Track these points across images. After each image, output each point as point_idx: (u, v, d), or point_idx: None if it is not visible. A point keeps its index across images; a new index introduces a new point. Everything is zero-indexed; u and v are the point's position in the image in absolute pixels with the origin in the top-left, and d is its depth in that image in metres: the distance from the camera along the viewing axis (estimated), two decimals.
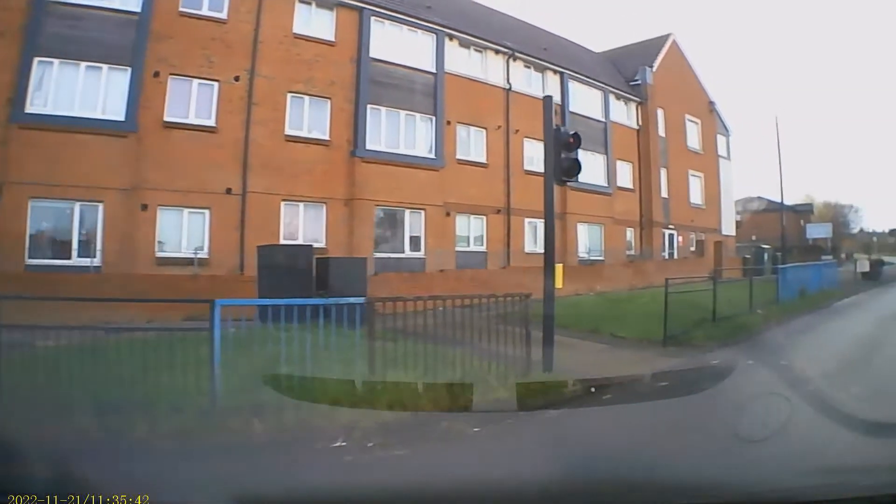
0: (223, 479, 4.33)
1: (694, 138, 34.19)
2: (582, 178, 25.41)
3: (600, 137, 27.46)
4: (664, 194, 30.72)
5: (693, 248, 32.71)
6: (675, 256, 31.35)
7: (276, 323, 6.74)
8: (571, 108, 26.03)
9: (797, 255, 40.12)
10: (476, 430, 6.00)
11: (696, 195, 33.86)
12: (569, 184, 24.36)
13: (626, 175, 29.08)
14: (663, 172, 30.80)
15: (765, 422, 5.14)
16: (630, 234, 29.05)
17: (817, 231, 57.27)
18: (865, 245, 72.34)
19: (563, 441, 5.87)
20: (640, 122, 30.20)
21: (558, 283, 8.99)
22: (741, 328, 12.80)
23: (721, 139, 38.06)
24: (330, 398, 5.92)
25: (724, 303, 13.63)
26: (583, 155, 25.98)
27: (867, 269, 29.71)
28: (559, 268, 9.11)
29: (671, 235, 31.43)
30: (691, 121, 34.12)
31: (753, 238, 55.07)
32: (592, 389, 7.28)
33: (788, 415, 5.27)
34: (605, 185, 27.29)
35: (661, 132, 31.08)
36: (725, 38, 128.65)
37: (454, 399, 6.35)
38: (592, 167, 26.62)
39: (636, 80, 30.67)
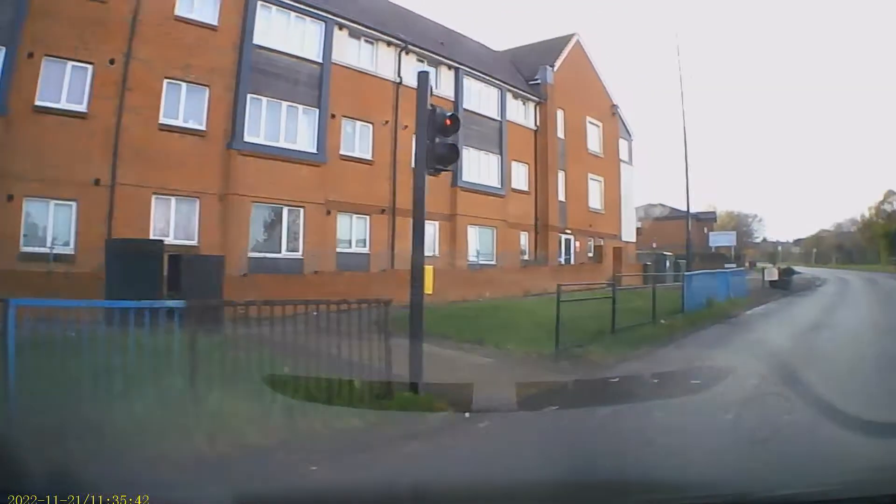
0: (223, 479, 4.52)
1: (595, 141, 36.20)
2: (474, 178, 27.23)
3: (495, 137, 28.78)
4: (561, 197, 32.43)
5: (591, 254, 34.65)
6: (573, 262, 33.11)
7: (124, 327, 6.33)
8: (466, 106, 27.04)
9: (701, 263, 42.56)
10: (314, 468, 5.23)
11: (596, 199, 35.90)
12: (460, 184, 26.14)
13: (521, 177, 30.54)
14: (561, 175, 32.54)
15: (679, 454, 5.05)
16: (525, 238, 30.54)
17: (721, 239, 60.89)
18: (770, 254, 77.37)
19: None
20: (539, 123, 31.78)
21: (427, 289, 8.35)
22: (644, 341, 12.63)
23: (623, 143, 40.36)
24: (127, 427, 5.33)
25: (624, 312, 13.66)
26: (476, 155, 27.72)
27: (776, 277, 31.52)
28: (429, 271, 8.49)
29: (568, 240, 33.23)
30: (592, 123, 36.10)
31: (654, 245, 58.02)
32: (467, 415, 6.71)
33: (699, 446, 5.29)
34: (499, 186, 28.62)
35: (561, 134, 32.85)
36: (631, 43, 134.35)
37: (291, 427, 5.82)
38: (486, 168, 27.94)
39: (536, 80, 32.22)
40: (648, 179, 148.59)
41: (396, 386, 7.22)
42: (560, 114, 32.88)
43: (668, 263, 36.22)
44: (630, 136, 41.76)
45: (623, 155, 40.09)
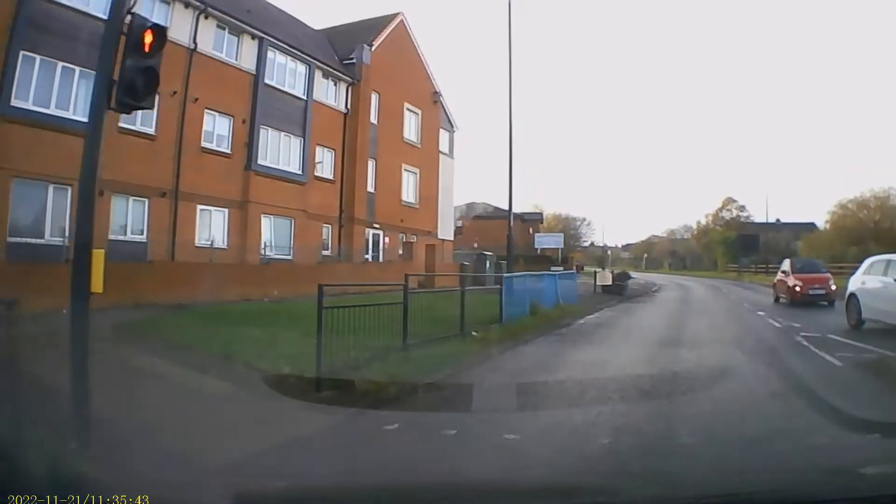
0: (223, 479, 4.80)
1: (412, 129, 38.79)
2: (272, 162, 28.87)
3: (299, 118, 30.42)
4: (371, 188, 34.61)
5: (402, 252, 36.78)
6: (381, 259, 35.24)
7: None
8: (267, 81, 28.47)
9: (526, 265, 45.27)
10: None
11: (410, 192, 38.49)
12: (255, 168, 27.60)
13: (326, 163, 32.44)
14: (372, 164, 34.70)
15: None
16: (328, 231, 32.34)
17: (547, 241, 65.05)
18: (598, 258, 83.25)
19: None
20: (350, 106, 33.72)
21: (96, 286, 6.40)
22: (445, 361, 11.10)
23: (444, 134, 43.26)
24: None
25: (426, 321, 12.92)
26: (276, 136, 29.40)
27: (609, 282, 33.21)
28: (98, 257, 6.38)
29: (377, 235, 35.43)
30: (411, 110, 38.64)
31: (475, 245, 60.94)
32: None
33: None
34: (300, 172, 30.28)
35: (374, 119, 34.98)
36: (464, 29, 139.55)
37: None
38: (286, 151, 29.44)
39: (351, 59, 34.15)
40: (474, 176, 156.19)
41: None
42: (375, 97, 34.95)
43: (488, 264, 37.93)
44: (453, 126, 44.65)
45: (444, 146, 42.79)
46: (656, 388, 9.28)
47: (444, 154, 42.70)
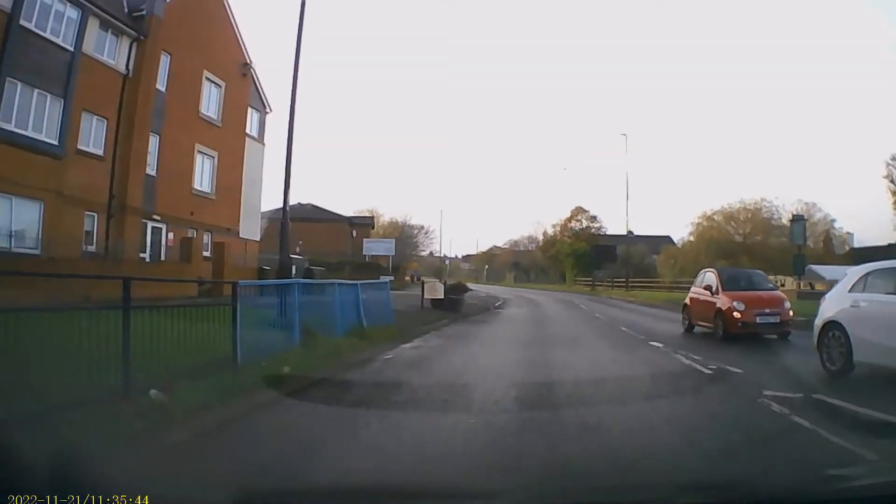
0: (224, 479, 5.26)
1: (213, 105, 34.41)
2: (19, 126, 23.51)
3: (61, 73, 25.19)
4: (152, 171, 29.85)
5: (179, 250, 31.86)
6: (164, 258, 30.66)
7: None
8: (24, 22, 23.30)
9: (352, 274, 42.39)
10: None
11: (205, 180, 33.99)
12: None
13: (97, 135, 27.36)
14: (155, 140, 29.99)
15: None
16: (93, 221, 27.27)
17: (377, 247, 62.84)
18: (436, 268, 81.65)
19: None
20: (133, 67, 28.80)
21: None
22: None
23: (255, 115, 39.33)
24: None
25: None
26: (27, 93, 24.10)
27: (440, 295, 28.20)
28: None
29: (158, 229, 30.68)
30: (213, 80, 34.27)
31: (298, 250, 57.75)
32: None
33: None
34: (55, 142, 24.99)
35: (163, 86, 30.41)
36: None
37: None
38: (40, 114, 24.31)
39: (141, 10, 29.36)
40: (300, 172, 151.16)
41: None
42: (166, 59, 30.51)
43: (294, 270, 34.84)
44: (266, 107, 40.94)
45: (253, 129, 38.99)
46: None
47: (253, 138, 38.72)
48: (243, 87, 36.71)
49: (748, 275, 21.56)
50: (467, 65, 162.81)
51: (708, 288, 19.59)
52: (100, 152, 27.33)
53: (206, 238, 33.24)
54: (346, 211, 74.47)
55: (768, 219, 60.75)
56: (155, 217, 30.04)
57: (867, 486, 3.73)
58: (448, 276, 63.76)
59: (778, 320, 17.66)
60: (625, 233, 61.52)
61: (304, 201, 70.58)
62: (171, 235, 31.06)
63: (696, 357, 13.66)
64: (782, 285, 32.44)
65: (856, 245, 60.63)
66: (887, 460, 5.32)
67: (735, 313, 17.57)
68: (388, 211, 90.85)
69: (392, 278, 56.48)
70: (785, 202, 59.44)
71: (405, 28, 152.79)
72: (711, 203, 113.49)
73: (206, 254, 32.04)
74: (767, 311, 17.73)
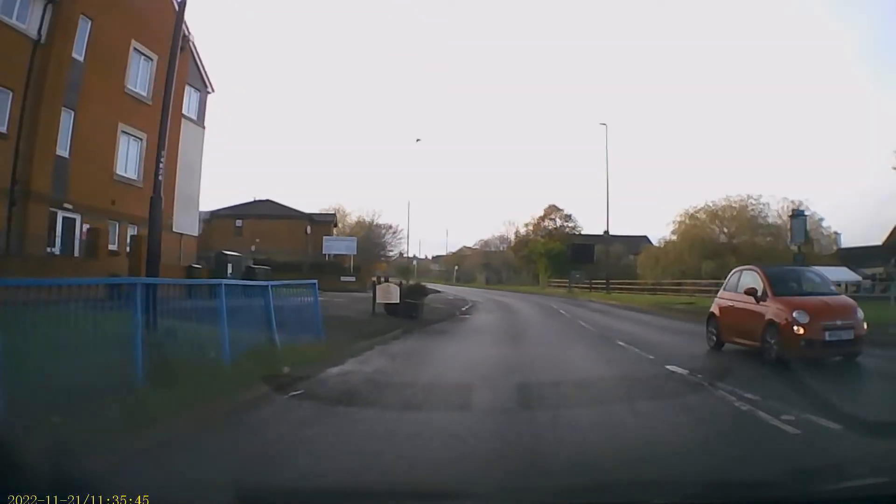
0: (224, 479, 5.41)
1: (142, 80, 31.65)
2: None
3: None
4: (64, 152, 26.75)
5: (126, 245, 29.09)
6: (78, 253, 27.56)
7: None
8: None
9: (311, 274, 40.20)
10: None
11: (131, 165, 31.08)
12: None
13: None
14: (69, 116, 26.92)
15: None
16: None
17: (337, 246, 60.69)
18: (404, 269, 79.34)
19: None
20: (47, 32, 25.77)
21: None
22: None
23: (194, 95, 36.97)
24: None
25: None
26: None
27: (395, 299, 24.66)
28: None
29: (70, 220, 27.59)
30: (143, 53, 31.57)
31: (253, 248, 55.40)
32: None
33: None
34: None
35: (81, 55, 27.45)
36: None
37: None
38: None
39: None
40: (253, 166, 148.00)
41: None
42: (86, 25, 27.53)
43: (230, 269, 32.89)
44: (207, 86, 38.57)
45: (191, 111, 36.35)
46: None
47: (191, 120, 35.90)
48: (181, 63, 33.63)
49: (799, 274, 16.52)
50: (439, 60, 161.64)
51: (750, 293, 14.90)
52: (2, 129, 24.29)
53: (133, 231, 29.90)
54: (313, 209, 72.06)
55: (754, 217, 58.35)
56: (66, 205, 26.92)
57: (867, 486, 3.99)
58: (416, 278, 61.33)
59: (852, 336, 13.46)
60: (602, 232, 59.50)
61: (260, 197, 69.57)
62: (85, 226, 27.94)
63: (750, 397, 9.43)
64: None
65: (843, 245, 59.08)
66: (887, 460, 5.39)
67: (796, 328, 13.30)
68: (355, 209, 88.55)
69: (353, 279, 54.53)
70: (770, 201, 57.00)
71: (372, 22, 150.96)
72: (689, 202, 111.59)
73: (128, 248, 28.53)
74: (839, 323, 13.47)
